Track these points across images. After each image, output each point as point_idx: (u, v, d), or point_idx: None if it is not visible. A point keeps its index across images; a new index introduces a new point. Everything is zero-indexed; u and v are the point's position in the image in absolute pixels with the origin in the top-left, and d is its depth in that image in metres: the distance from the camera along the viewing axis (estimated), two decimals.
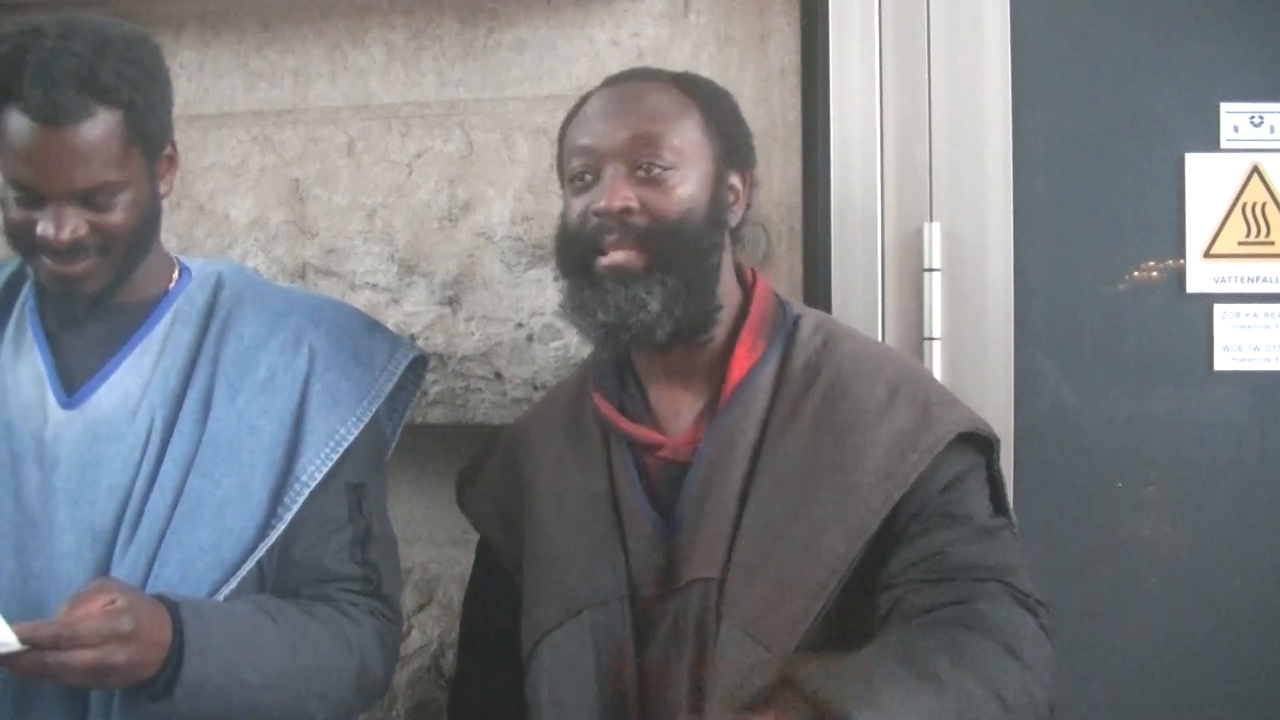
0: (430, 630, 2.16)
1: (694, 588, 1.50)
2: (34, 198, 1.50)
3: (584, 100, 1.62)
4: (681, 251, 1.52)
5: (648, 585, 1.53)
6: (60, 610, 1.36)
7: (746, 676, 1.41)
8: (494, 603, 1.71)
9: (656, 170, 1.52)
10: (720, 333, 1.59)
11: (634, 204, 1.51)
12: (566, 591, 1.56)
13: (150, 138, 1.55)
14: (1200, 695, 1.99)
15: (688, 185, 1.53)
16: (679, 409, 1.59)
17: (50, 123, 1.46)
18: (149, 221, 1.60)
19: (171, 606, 1.43)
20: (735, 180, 1.60)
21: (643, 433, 1.58)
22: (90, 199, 1.51)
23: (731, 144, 1.60)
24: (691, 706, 1.46)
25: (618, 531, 1.56)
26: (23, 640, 1.31)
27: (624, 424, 1.59)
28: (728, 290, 1.60)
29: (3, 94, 1.47)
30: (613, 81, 1.62)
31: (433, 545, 2.16)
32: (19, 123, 1.46)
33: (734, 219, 1.61)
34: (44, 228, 1.50)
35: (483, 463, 1.77)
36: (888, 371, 1.56)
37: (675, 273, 1.51)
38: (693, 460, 1.54)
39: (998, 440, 1.55)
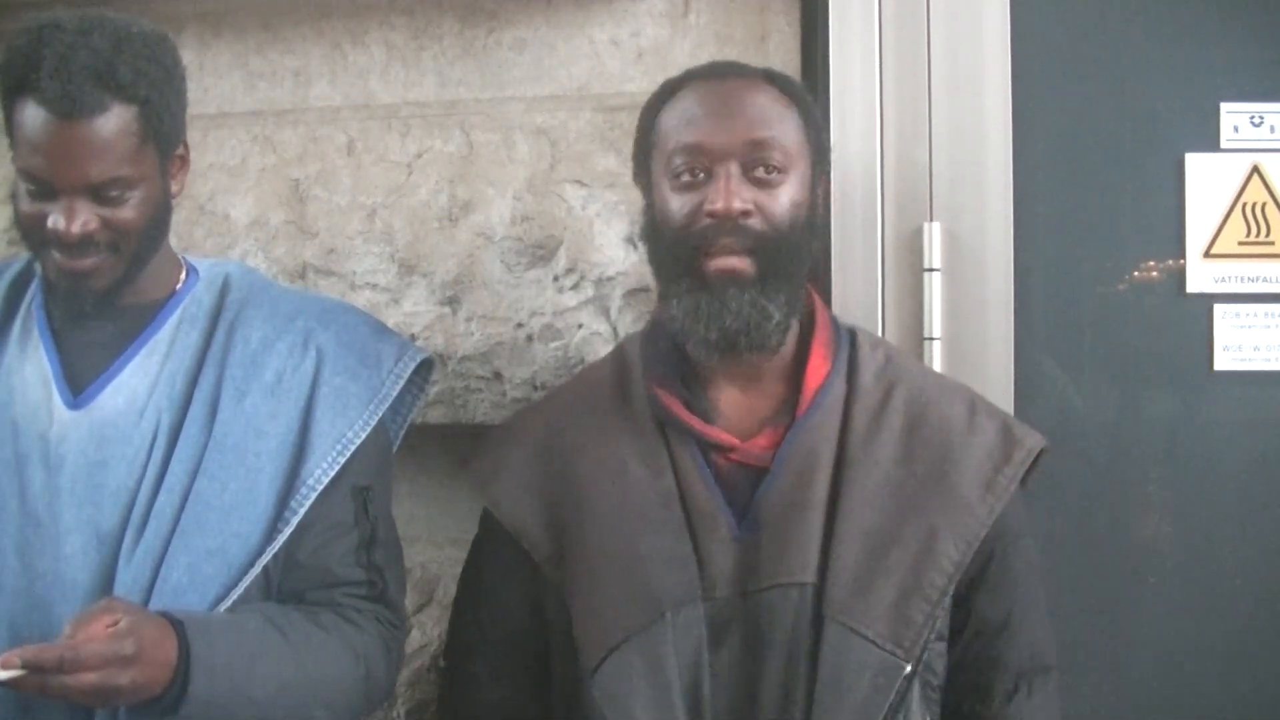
0: (430, 630, 2.15)
1: (781, 592, 1.48)
2: (46, 190, 1.50)
3: (673, 92, 1.58)
4: (792, 259, 1.52)
5: (721, 587, 1.50)
6: (65, 632, 1.35)
7: (872, 680, 1.44)
8: (515, 601, 1.64)
9: (772, 173, 1.50)
10: (790, 338, 1.58)
11: (752, 206, 1.49)
12: (645, 593, 1.51)
13: (164, 135, 1.55)
14: (1201, 695, 2.00)
15: (793, 190, 1.52)
16: (746, 412, 1.57)
17: (66, 115, 1.45)
18: (159, 220, 1.59)
19: (178, 625, 1.42)
20: (819, 184, 1.59)
21: (718, 434, 1.55)
22: (102, 194, 1.50)
23: (821, 148, 1.59)
24: (782, 710, 1.46)
25: (688, 531, 1.53)
26: (25, 664, 1.30)
27: (697, 424, 1.55)
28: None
29: (20, 86, 1.47)
30: (708, 76, 1.58)
31: (433, 545, 2.16)
32: (35, 115, 1.46)
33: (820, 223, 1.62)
34: (55, 220, 1.49)
35: (505, 455, 1.67)
36: (959, 390, 1.63)
37: (787, 280, 1.51)
38: (770, 465, 1.53)
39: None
